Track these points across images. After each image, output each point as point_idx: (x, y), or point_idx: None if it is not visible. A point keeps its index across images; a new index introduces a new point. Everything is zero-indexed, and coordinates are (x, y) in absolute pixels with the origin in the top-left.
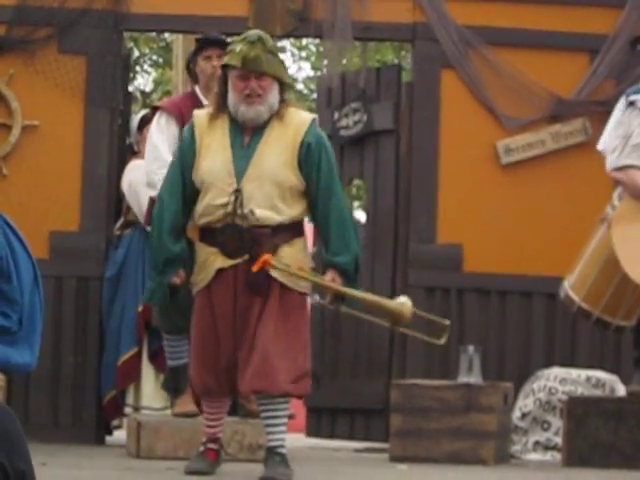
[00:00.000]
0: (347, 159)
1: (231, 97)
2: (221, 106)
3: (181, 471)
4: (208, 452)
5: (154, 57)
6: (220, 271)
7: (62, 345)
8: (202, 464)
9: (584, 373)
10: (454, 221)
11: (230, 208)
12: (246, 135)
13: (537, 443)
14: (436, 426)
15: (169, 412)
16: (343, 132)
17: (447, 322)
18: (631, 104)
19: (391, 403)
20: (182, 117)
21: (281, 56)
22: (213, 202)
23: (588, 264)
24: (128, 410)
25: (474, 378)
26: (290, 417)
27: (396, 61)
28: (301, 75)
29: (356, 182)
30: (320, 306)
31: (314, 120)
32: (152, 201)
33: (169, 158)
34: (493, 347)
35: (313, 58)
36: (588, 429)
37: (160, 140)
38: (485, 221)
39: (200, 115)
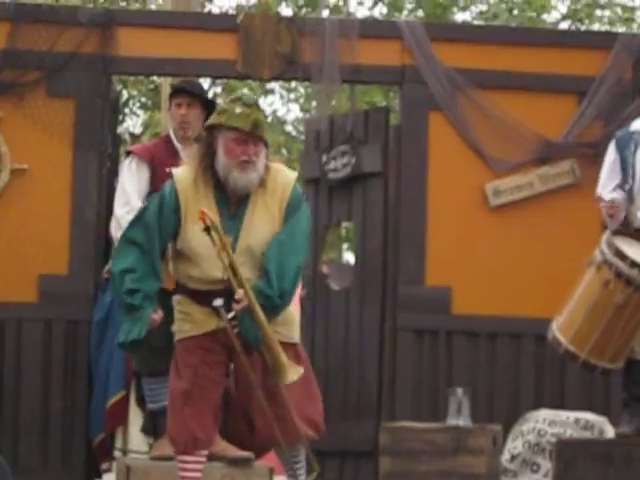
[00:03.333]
0: (335, 201)
1: (222, 161)
2: (207, 170)
3: None
4: None
5: (143, 99)
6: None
7: (51, 389)
8: None
9: (573, 415)
10: (443, 263)
11: (225, 284)
12: (232, 204)
13: None
14: (425, 469)
15: None
16: (331, 175)
17: (317, 469)
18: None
19: (380, 445)
20: (153, 162)
21: (270, 98)
22: (210, 273)
23: (575, 307)
24: (117, 454)
25: (463, 420)
26: None
27: (384, 103)
28: (290, 117)
29: (345, 224)
30: (218, 314)
31: (296, 180)
32: None
33: (138, 203)
34: (482, 389)
35: (302, 100)
36: (577, 471)
37: (130, 185)
38: (474, 263)
39: (182, 178)
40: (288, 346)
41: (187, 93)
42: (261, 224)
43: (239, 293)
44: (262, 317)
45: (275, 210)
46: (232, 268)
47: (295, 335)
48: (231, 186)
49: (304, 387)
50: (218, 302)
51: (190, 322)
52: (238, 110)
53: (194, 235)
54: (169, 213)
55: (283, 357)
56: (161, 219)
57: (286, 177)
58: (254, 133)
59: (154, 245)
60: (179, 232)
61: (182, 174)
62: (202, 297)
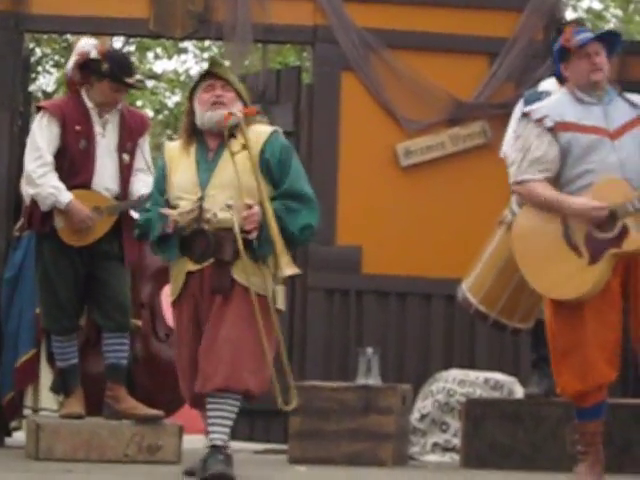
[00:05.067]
0: None
1: (198, 111)
2: (191, 135)
3: (79, 472)
4: None
5: (56, 57)
6: (189, 276)
7: None
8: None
9: (482, 375)
10: (353, 223)
11: (195, 214)
12: (210, 151)
13: (436, 445)
14: (335, 428)
15: None
16: None
17: (293, 385)
18: (525, 115)
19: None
20: (64, 118)
21: (183, 57)
22: (180, 212)
23: (486, 267)
24: (27, 412)
25: (373, 380)
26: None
27: (298, 63)
28: None
29: None
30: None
31: (275, 131)
32: (32, 200)
33: (50, 158)
34: (392, 349)
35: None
36: (486, 431)
37: (41, 139)
38: (384, 223)
39: (170, 145)
40: (260, 297)
41: (123, 82)
42: (235, 164)
43: (251, 206)
44: (274, 225)
45: (253, 155)
46: (254, 171)
47: (267, 288)
48: (207, 125)
49: (256, 347)
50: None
51: (175, 279)
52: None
53: (174, 180)
54: (160, 175)
55: (283, 259)
56: (161, 179)
57: (265, 129)
58: (213, 71)
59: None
60: (167, 186)
61: (172, 143)
62: (181, 244)
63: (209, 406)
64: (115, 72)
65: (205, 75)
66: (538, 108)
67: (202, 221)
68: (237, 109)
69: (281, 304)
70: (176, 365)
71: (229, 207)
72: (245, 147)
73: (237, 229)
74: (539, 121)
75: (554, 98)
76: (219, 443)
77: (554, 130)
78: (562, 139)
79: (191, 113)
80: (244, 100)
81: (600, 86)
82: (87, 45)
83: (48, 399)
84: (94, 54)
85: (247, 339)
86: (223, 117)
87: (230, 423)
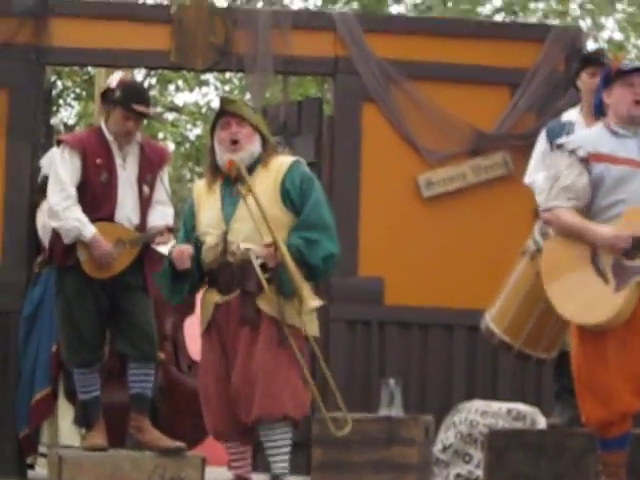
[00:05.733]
0: None
1: (218, 151)
2: (214, 173)
3: None
4: None
5: (77, 90)
6: (216, 308)
7: None
8: None
9: (505, 406)
10: (375, 254)
11: (221, 247)
12: (234, 186)
13: (459, 476)
14: (357, 459)
15: None
16: None
17: (349, 420)
18: (559, 146)
19: (312, 436)
20: (85, 151)
21: (204, 89)
22: (208, 246)
23: (509, 297)
24: (42, 449)
25: (395, 411)
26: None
27: (319, 94)
28: None
29: None
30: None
31: (296, 161)
32: (54, 234)
33: (73, 190)
34: (414, 380)
35: (236, 92)
36: (509, 461)
37: (64, 173)
38: (406, 254)
39: (199, 184)
40: (286, 326)
41: (138, 113)
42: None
43: (267, 243)
44: (290, 261)
45: (270, 183)
46: (261, 212)
47: (293, 318)
48: (222, 168)
49: (290, 372)
50: (253, 254)
51: (204, 310)
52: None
53: (201, 218)
54: (189, 214)
55: (305, 293)
56: (190, 217)
57: (286, 160)
58: (225, 109)
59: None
60: (195, 225)
61: (199, 182)
62: (209, 277)
63: (262, 439)
64: (124, 99)
65: (220, 113)
66: (573, 139)
67: (227, 254)
68: (254, 145)
69: (314, 331)
70: (200, 395)
71: (249, 250)
72: (250, 190)
73: (256, 264)
74: (572, 151)
75: (590, 130)
76: (277, 472)
77: (587, 161)
78: (595, 170)
79: (213, 151)
80: (262, 133)
81: (637, 121)
82: (113, 77)
83: (68, 435)
84: (113, 84)
85: (280, 366)
86: (241, 160)
87: (286, 450)
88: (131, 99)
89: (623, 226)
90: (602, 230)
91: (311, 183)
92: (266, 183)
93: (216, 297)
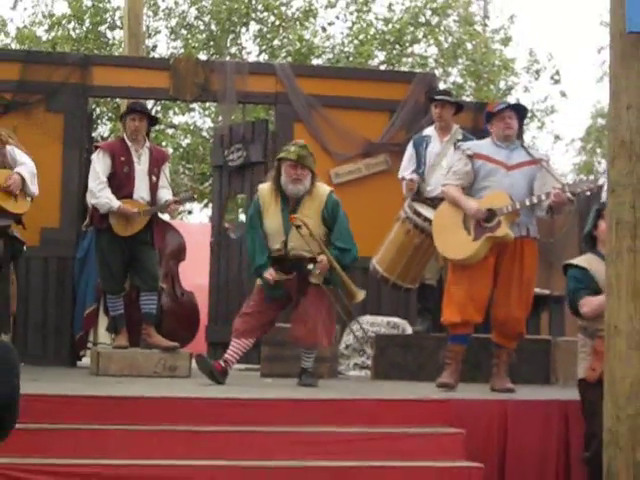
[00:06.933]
0: (233, 181)
1: (283, 179)
2: (278, 187)
3: (125, 383)
4: (216, 363)
5: (110, 114)
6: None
7: (48, 301)
8: (209, 365)
9: (386, 319)
10: None
11: (282, 251)
12: (291, 204)
13: (356, 364)
14: (289, 353)
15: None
16: (230, 163)
17: (360, 296)
18: (457, 147)
19: (262, 338)
20: (113, 153)
21: (192, 113)
22: (273, 246)
23: (388, 247)
24: (90, 345)
25: None
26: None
27: (265, 117)
28: (205, 126)
29: (240, 196)
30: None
31: (331, 192)
32: (93, 207)
33: (104, 178)
34: None
35: (212, 115)
36: (388, 355)
37: (99, 167)
38: None
39: (263, 189)
40: (323, 289)
41: (137, 112)
42: (307, 218)
43: (321, 257)
44: (338, 267)
45: (315, 208)
46: (318, 242)
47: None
48: (288, 193)
49: (327, 312)
50: (310, 266)
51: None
52: (292, 149)
53: (267, 223)
54: (256, 212)
55: (354, 288)
56: (256, 216)
57: (324, 190)
58: (299, 161)
59: (259, 232)
60: (262, 222)
61: (264, 188)
62: (272, 260)
63: (304, 353)
64: (129, 108)
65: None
66: (466, 144)
67: (285, 253)
68: (308, 180)
69: (360, 296)
70: (243, 313)
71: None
72: (306, 227)
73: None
74: (463, 151)
75: (482, 141)
76: (305, 366)
77: (472, 157)
78: (475, 164)
79: (278, 173)
80: (312, 171)
81: (510, 139)
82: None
83: (104, 337)
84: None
85: (321, 311)
86: (299, 192)
87: (313, 358)
88: (129, 108)
89: (484, 203)
90: (471, 203)
91: (338, 207)
92: (312, 209)
93: (277, 275)
